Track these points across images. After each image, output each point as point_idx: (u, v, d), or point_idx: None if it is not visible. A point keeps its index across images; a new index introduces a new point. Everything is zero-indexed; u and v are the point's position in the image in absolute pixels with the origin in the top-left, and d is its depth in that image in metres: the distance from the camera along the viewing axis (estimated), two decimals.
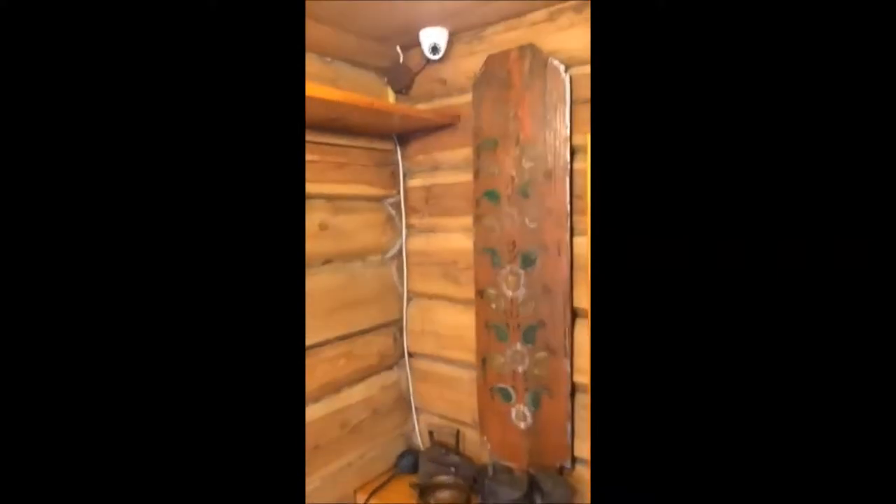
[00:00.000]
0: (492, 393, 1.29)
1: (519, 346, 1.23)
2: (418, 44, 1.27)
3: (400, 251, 1.50)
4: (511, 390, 1.25)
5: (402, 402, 1.55)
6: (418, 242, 1.48)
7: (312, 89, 0.98)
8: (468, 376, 1.38)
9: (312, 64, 1.23)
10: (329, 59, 1.28)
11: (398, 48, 1.36)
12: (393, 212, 1.48)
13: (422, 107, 1.40)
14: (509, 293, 1.22)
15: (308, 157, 1.23)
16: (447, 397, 1.46)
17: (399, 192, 1.48)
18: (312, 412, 1.28)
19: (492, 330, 1.27)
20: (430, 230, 1.44)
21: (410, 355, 1.54)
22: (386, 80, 1.41)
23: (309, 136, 1.22)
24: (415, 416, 1.56)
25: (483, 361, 1.30)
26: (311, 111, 1.09)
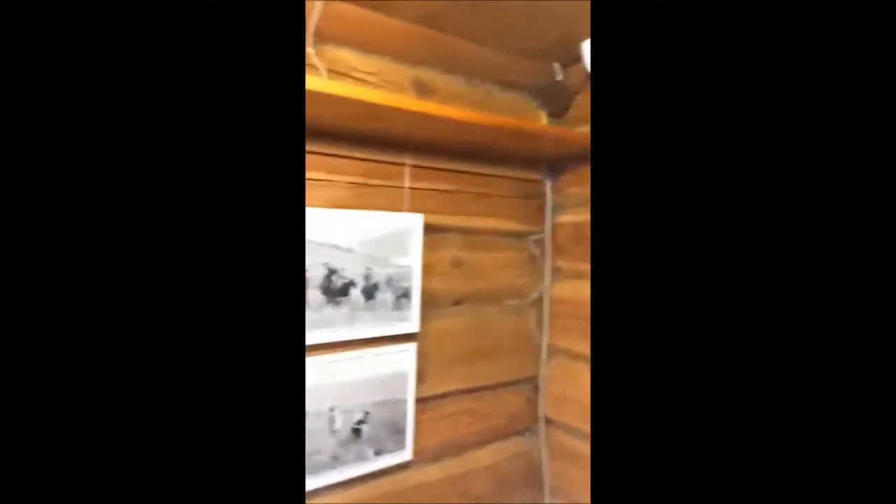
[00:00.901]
0: None
1: None
2: (579, 59, 1.07)
3: (541, 297, 1.29)
4: None
5: (534, 479, 1.31)
6: (564, 289, 1.24)
7: (450, 111, 0.86)
8: None
9: (457, 87, 1.13)
10: (477, 82, 1.17)
11: (555, 65, 1.19)
12: (536, 251, 1.28)
13: (581, 131, 1.19)
14: None
15: (444, 186, 1.11)
16: (589, 484, 1.17)
17: (545, 229, 1.28)
18: (429, 474, 1.13)
19: None
20: (579, 276, 1.20)
21: (548, 422, 1.29)
22: (538, 102, 1.25)
23: (446, 164, 1.11)
24: (549, 499, 1.30)
25: None
26: (448, 136, 0.98)
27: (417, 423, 1.09)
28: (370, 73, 0.98)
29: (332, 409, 0.95)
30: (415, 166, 1.06)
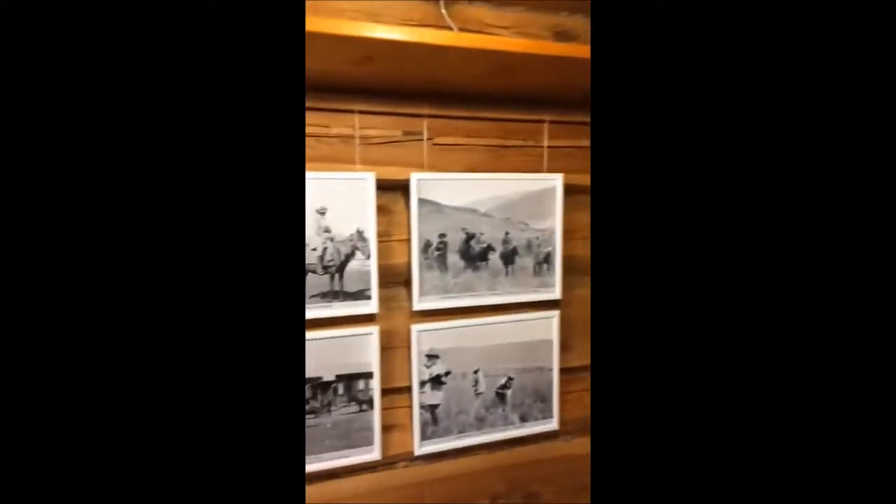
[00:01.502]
0: None
1: None
2: None
3: None
4: None
5: None
6: None
7: (574, 49, 0.77)
8: None
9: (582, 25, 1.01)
10: None
11: None
12: None
13: None
14: None
15: (586, 142, 1.02)
16: None
17: None
18: (577, 446, 1.08)
19: None
20: None
21: None
22: None
23: (575, 117, 1.01)
24: None
25: None
26: (576, 80, 0.88)
27: (563, 393, 1.04)
28: (504, 27, 0.93)
29: (476, 372, 0.96)
30: (554, 122, 0.99)
